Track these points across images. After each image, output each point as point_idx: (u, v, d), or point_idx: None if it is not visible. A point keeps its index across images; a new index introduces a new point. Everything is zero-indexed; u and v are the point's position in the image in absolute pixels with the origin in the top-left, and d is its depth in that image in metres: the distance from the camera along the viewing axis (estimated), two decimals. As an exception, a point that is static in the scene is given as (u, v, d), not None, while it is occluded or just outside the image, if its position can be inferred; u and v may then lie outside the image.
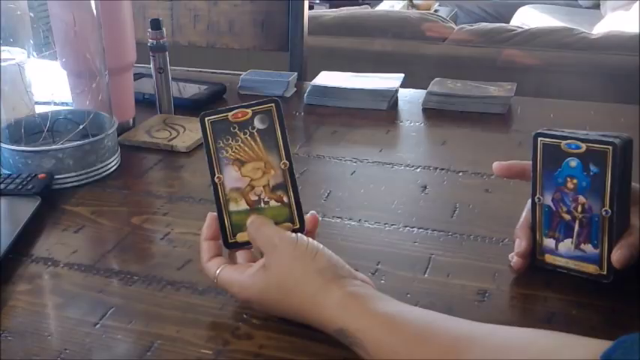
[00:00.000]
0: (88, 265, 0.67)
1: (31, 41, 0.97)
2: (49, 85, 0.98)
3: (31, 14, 0.99)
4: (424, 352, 0.48)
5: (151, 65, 1.05)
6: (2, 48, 0.92)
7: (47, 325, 0.59)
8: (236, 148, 0.59)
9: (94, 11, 0.89)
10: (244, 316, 0.59)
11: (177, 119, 1.04)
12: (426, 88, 1.14)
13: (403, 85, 1.17)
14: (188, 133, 0.98)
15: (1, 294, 0.62)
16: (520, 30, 2.00)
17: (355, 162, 0.91)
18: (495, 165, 0.68)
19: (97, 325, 0.58)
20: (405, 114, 1.10)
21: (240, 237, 0.60)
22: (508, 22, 3.26)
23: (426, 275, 0.65)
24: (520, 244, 0.65)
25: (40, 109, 0.95)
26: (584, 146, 0.59)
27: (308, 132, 1.05)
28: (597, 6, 3.56)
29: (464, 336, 0.49)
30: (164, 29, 1.04)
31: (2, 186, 0.78)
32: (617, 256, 0.59)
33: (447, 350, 0.48)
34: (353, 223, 0.75)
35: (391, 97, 1.13)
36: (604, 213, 0.59)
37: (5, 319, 0.59)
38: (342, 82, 1.16)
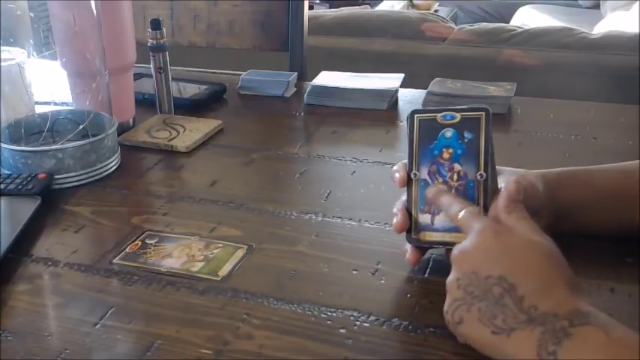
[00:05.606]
0: (88, 265, 0.67)
1: (31, 41, 0.97)
2: (49, 85, 0.98)
3: (31, 14, 0.99)
4: None
5: (151, 65, 1.05)
6: (2, 48, 0.92)
7: (47, 325, 0.59)
8: None
9: (94, 11, 0.89)
10: (244, 316, 0.59)
11: (177, 119, 1.04)
12: (426, 88, 1.14)
13: (403, 85, 1.17)
14: (188, 133, 0.98)
15: (1, 294, 0.62)
16: (520, 30, 2.00)
17: (355, 162, 0.91)
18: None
19: (97, 325, 0.58)
20: (405, 114, 1.09)
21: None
22: (508, 22, 3.26)
23: (426, 275, 0.65)
24: (397, 219, 0.64)
25: (40, 109, 0.95)
26: (458, 116, 0.62)
27: (308, 132, 1.05)
28: (597, 6, 3.56)
29: None
30: (164, 29, 1.04)
31: (2, 186, 0.78)
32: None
33: None
34: (353, 223, 0.75)
35: (391, 97, 1.13)
36: (479, 177, 0.61)
37: (5, 319, 0.59)
38: (342, 82, 1.16)
